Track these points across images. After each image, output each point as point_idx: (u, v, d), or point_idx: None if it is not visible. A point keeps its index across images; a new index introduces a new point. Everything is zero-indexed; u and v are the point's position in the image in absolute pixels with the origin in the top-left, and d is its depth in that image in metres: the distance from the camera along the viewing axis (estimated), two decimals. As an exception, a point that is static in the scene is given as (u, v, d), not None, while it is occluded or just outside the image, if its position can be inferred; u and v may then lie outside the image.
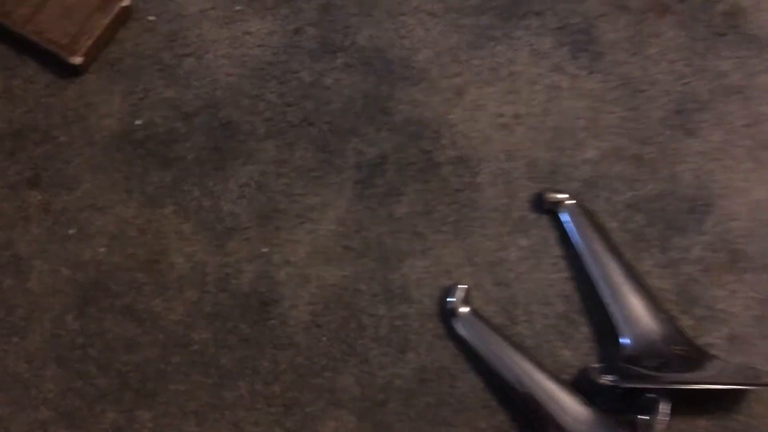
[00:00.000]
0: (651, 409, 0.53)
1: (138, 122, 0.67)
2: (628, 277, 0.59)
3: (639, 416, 0.53)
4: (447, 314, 0.60)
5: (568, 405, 0.55)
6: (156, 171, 0.65)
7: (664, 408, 0.52)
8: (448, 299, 0.60)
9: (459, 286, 0.60)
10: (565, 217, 0.62)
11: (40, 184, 0.65)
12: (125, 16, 0.70)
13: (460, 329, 0.59)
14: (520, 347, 0.58)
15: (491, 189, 0.64)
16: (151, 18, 0.70)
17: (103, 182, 0.65)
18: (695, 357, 0.56)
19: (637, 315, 0.58)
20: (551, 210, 0.63)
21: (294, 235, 0.63)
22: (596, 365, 0.58)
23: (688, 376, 0.54)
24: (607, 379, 0.55)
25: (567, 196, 0.62)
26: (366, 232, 0.63)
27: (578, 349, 0.59)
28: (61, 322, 0.62)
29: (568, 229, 0.62)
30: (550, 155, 0.65)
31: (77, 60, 0.67)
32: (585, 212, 0.62)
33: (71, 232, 0.64)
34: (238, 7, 0.70)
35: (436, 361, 0.60)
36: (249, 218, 0.64)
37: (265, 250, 0.63)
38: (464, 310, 0.59)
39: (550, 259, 0.62)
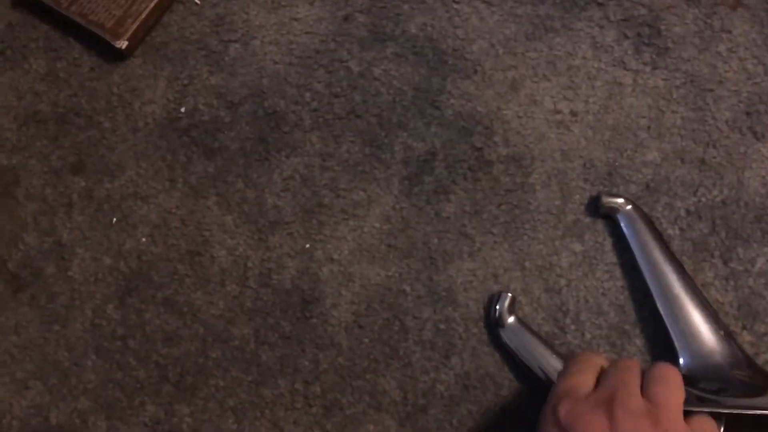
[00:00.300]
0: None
1: (182, 110, 0.65)
2: (687, 289, 0.56)
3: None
4: (492, 323, 0.58)
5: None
6: (200, 161, 0.64)
7: (722, 432, 0.50)
8: (493, 307, 0.58)
9: (505, 294, 0.58)
10: (622, 223, 0.59)
11: (84, 171, 0.65)
12: (171, -1, 0.68)
13: (506, 339, 0.57)
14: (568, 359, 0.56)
15: (544, 190, 0.61)
16: (197, 1, 0.68)
17: (146, 170, 0.64)
18: (756, 380, 0.53)
19: (695, 331, 0.55)
20: (607, 215, 0.60)
21: (338, 232, 0.62)
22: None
23: (748, 401, 0.51)
24: None
25: (624, 200, 0.59)
26: (412, 231, 0.61)
27: (631, 363, 0.57)
28: (102, 311, 0.61)
29: (624, 236, 0.59)
30: (608, 156, 0.62)
31: (122, 44, 0.65)
32: (643, 218, 0.59)
33: (114, 220, 0.63)
34: (286, -8, 0.68)
35: (480, 368, 0.58)
36: (293, 212, 0.62)
37: (307, 245, 0.61)
38: (510, 320, 0.57)
39: (605, 266, 0.59)
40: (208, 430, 0.58)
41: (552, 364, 0.55)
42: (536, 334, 0.57)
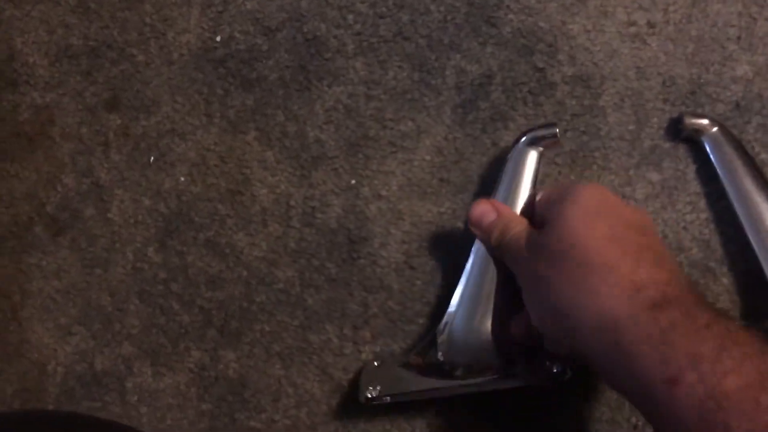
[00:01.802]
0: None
1: (217, 38, 0.61)
2: (783, 221, 0.49)
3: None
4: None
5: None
6: (237, 93, 0.60)
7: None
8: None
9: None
10: (707, 147, 0.52)
11: (119, 107, 0.61)
12: None
13: None
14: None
15: (616, 113, 0.54)
16: None
17: (182, 105, 0.60)
18: None
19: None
20: (690, 138, 0.53)
21: (385, 166, 0.57)
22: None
23: None
24: None
25: (710, 121, 0.52)
26: (466, 164, 0.56)
27: (716, 303, 0.51)
28: (143, 254, 0.59)
29: (710, 162, 0.52)
30: (691, 72, 0.54)
31: (152, -30, 0.61)
32: (732, 141, 0.51)
33: (151, 159, 0.60)
34: None
35: (544, 311, 0.53)
36: (336, 146, 0.58)
37: (353, 182, 0.57)
38: None
39: (687, 196, 0.52)
40: (254, 376, 0.56)
41: None
42: None
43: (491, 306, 0.48)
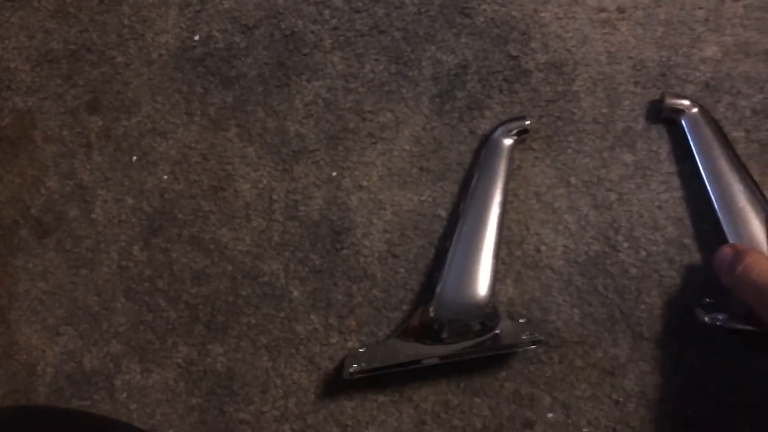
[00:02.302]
0: None
1: (196, 38, 0.62)
2: (754, 201, 0.50)
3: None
4: None
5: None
6: (217, 91, 0.60)
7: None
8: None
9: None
10: (686, 128, 0.53)
11: (100, 109, 0.62)
12: None
13: None
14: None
15: (589, 97, 0.55)
16: None
17: (163, 105, 0.61)
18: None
19: (759, 246, 0.49)
20: (670, 119, 0.54)
21: (365, 157, 0.57)
22: (708, 300, 0.50)
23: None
24: (711, 318, 0.48)
25: (690, 102, 0.53)
26: (445, 152, 0.56)
27: (691, 280, 0.52)
28: (128, 253, 0.59)
29: (684, 142, 0.53)
30: (661, 55, 0.55)
31: (129, -28, 0.62)
32: (710, 122, 0.53)
33: (134, 159, 0.61)
34: None
35: (525, 293, 0.54)
36: (317, 139, 0.58)
37: (334, 174, 0.57)
38: None
39: (660, 176, 0.54)
40: (242, 368, 0.56)
41: None
42: None
43: (480, 270, 0.52)
